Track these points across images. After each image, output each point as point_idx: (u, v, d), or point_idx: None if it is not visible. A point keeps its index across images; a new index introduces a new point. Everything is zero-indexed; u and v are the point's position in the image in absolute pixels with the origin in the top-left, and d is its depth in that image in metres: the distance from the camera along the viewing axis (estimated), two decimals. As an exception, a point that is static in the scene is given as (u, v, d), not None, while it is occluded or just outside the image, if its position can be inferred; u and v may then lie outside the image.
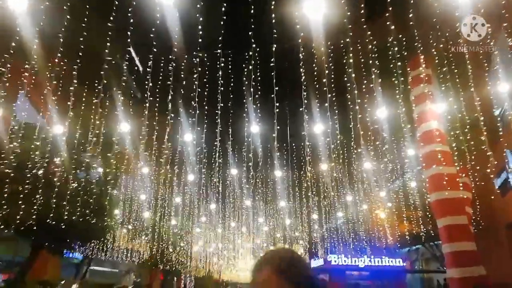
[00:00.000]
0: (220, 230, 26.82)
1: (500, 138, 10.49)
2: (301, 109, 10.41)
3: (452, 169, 10.42)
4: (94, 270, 30.60)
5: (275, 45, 8.91)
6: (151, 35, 8.27)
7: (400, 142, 13.39)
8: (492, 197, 13.73)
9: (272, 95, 9.75)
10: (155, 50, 9.36)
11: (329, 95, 10.37)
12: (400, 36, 9.56)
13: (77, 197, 12.06)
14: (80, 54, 9.03)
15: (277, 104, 10.22)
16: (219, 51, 9.51)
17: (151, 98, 11.21)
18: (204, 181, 17.82)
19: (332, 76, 10.19)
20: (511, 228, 13.80)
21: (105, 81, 10.16)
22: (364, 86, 10.60)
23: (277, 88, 9.69)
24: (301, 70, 9.56)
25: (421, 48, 9.71)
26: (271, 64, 9.07)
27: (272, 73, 9.34)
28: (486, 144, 9.67)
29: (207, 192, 19.06)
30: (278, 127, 11.34)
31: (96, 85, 10.81)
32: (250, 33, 8.64)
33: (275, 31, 8.65)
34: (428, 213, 17.42)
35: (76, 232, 13.20)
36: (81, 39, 8.87)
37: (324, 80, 9.85)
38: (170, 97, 10.67)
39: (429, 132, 10.58)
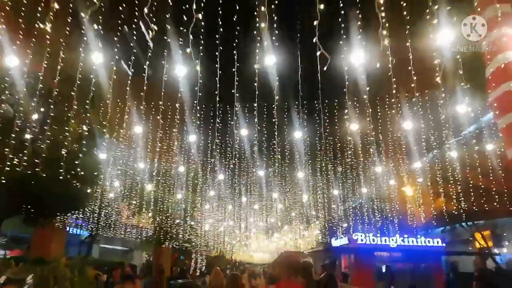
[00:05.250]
0: (231, 207, 24.74)
1: None
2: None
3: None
4: (104, 248, 29.42)
5: None
6: None
7: (454, 90, 10.57)
8: None
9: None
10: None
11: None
12: None
13: (52, 156, 9.84)
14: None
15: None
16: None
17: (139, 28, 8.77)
18: (208, 144, 15.37)
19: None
20: None
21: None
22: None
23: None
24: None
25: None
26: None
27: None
28: None
29: (212, 160, 16.70)
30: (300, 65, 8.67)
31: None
32: None
33: None
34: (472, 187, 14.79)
35: (53, 198, 11.05)
36: None
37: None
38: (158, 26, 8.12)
39: (507, 66, 7.83)
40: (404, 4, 8.38)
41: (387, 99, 13.66)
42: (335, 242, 20.64)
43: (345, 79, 8.38)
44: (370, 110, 10.35)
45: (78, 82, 8.08)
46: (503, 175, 13.56)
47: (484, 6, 8.16)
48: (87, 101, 9.39)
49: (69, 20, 7.89)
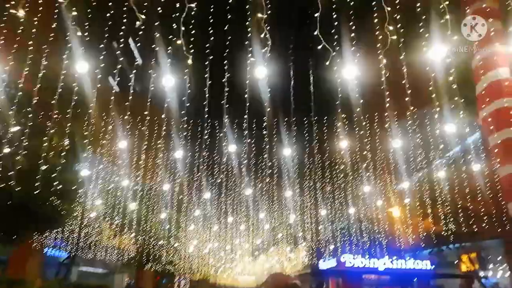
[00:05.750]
0: (215, 227, 24.08)
1: None
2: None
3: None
4: (83, 272, 28.01)
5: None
6: None
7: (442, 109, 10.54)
8: None
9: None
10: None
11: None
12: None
13: (31, 172, 9.31)
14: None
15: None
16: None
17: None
18: (195, 161, 15.01)
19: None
20: None
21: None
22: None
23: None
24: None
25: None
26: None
27: None
28: None
29: (199, 178, 16.29)
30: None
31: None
32: None
33: None
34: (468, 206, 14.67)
35: (32, 217, 10.43)
36: None
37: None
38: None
39: (498, 83, 7.86)
40: (398, 20, 8.37)
41: (376, 119, 13.64)
42: (323, 265, 20.15)
43: (336, 96, 8.24)
44: (364, 124, 10.23)
45: (60, 90, 7.70)
46: (491, 195, 13.48)
47: (474, 24, 8.23)
48: (68, 111, 8.99)
49: (53, 26, 7.58)
